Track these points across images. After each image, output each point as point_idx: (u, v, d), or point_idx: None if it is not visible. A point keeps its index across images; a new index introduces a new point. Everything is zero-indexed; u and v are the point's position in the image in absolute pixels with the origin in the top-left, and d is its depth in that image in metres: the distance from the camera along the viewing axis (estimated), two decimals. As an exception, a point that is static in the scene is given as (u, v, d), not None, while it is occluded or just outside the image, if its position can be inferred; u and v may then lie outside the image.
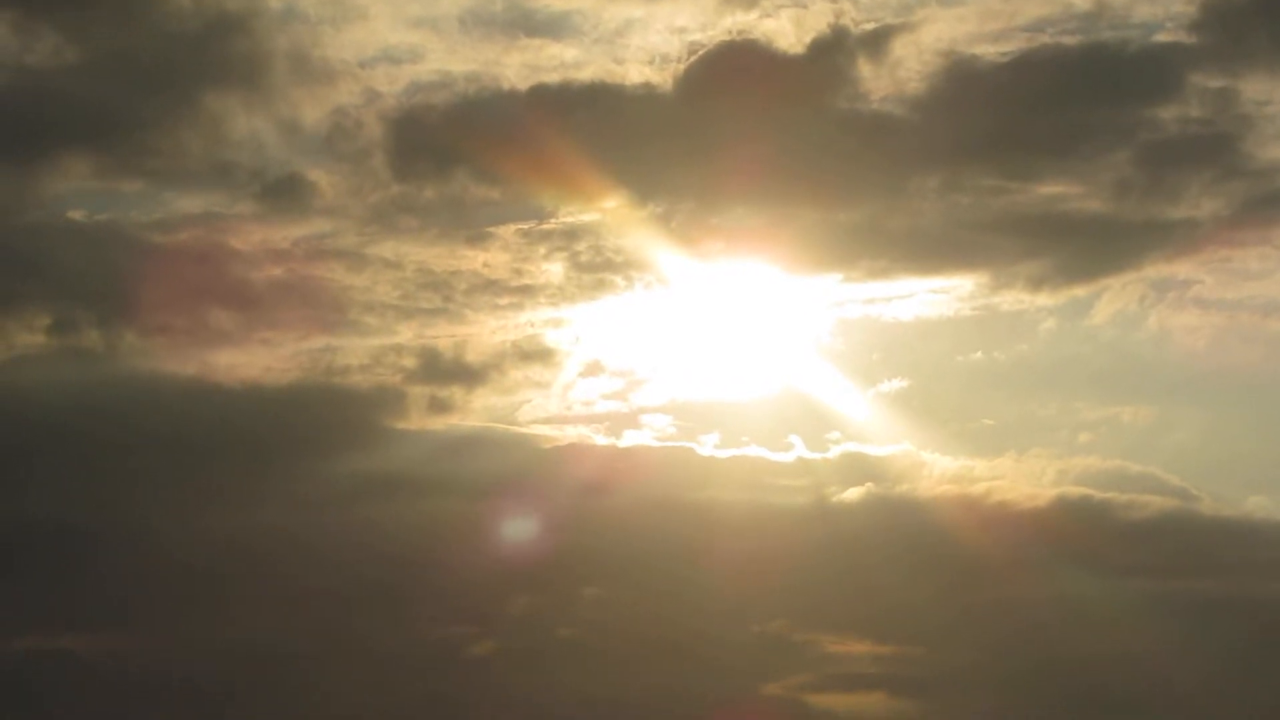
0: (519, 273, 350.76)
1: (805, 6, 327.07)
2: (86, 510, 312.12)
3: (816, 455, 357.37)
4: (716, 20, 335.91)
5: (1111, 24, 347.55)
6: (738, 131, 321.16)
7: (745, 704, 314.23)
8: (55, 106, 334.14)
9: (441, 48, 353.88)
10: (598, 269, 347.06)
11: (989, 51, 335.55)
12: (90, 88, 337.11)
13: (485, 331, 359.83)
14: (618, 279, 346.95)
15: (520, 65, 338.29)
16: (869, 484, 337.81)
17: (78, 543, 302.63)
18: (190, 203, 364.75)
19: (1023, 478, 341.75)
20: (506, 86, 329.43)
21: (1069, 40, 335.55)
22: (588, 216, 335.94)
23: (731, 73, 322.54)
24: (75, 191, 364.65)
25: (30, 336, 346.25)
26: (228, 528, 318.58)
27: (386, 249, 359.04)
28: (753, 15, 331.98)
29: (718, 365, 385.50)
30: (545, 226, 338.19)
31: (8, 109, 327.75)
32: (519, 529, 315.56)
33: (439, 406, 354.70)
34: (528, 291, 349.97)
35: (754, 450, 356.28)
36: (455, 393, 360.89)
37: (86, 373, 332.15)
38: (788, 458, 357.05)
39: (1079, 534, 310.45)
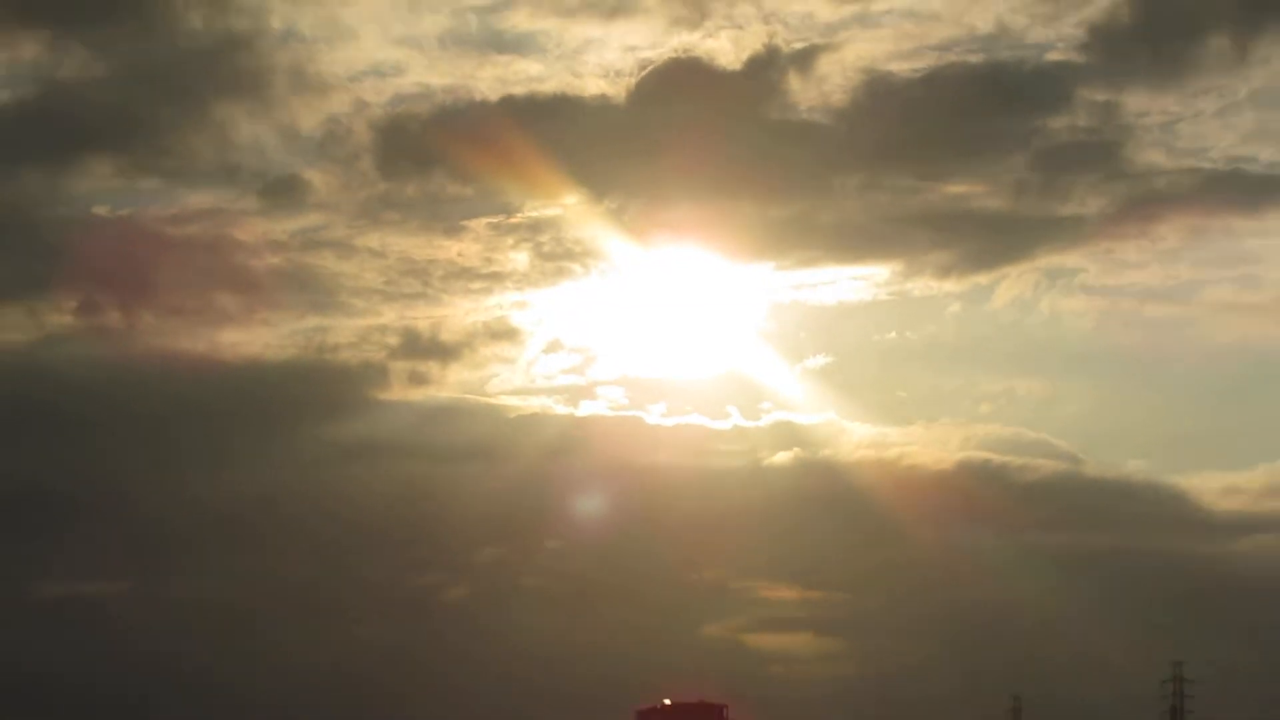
0: (489, 261, 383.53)
1: (742, 28, 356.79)
2: (104, 472, 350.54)
3: (750, 424, 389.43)
4: (664, 40, 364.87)
5: (1009, 45, 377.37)
6: (683, 137, 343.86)
7: (688, 643, 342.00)
8: (82, 114, 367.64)
9: (422, 63, 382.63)
10: (559, 258, 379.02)
11: (903, 68, 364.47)
12: (113, 98, 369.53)
13: (459, 313, 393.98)
14: (576, 266, 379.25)
15: (491, 79, 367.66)
16: (796, 449, 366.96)
17: (98, 498, 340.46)
18: (200, 199, 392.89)
19: (931, 444, 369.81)
20: (479, 97, 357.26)
21: (973, 58, 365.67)
22: (550, 211, 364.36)
23: (677, 86, 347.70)
24: (99, 189, 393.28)
25: (59, 317, 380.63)
26: (232, 486, 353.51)
27: (372, 240, 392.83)
28: (696, 35, 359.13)
29: (664, 343, 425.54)
30: (512, 220, 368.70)
31: (40, 116, 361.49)
32: (489, 488, 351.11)
33: (418, 379, 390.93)
34: (496, 278, 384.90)
35: (695, 419, 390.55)
36: (432, 367, 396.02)
37: (108, 350, 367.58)
38: (725, 425, 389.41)
39: (980, 493, 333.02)
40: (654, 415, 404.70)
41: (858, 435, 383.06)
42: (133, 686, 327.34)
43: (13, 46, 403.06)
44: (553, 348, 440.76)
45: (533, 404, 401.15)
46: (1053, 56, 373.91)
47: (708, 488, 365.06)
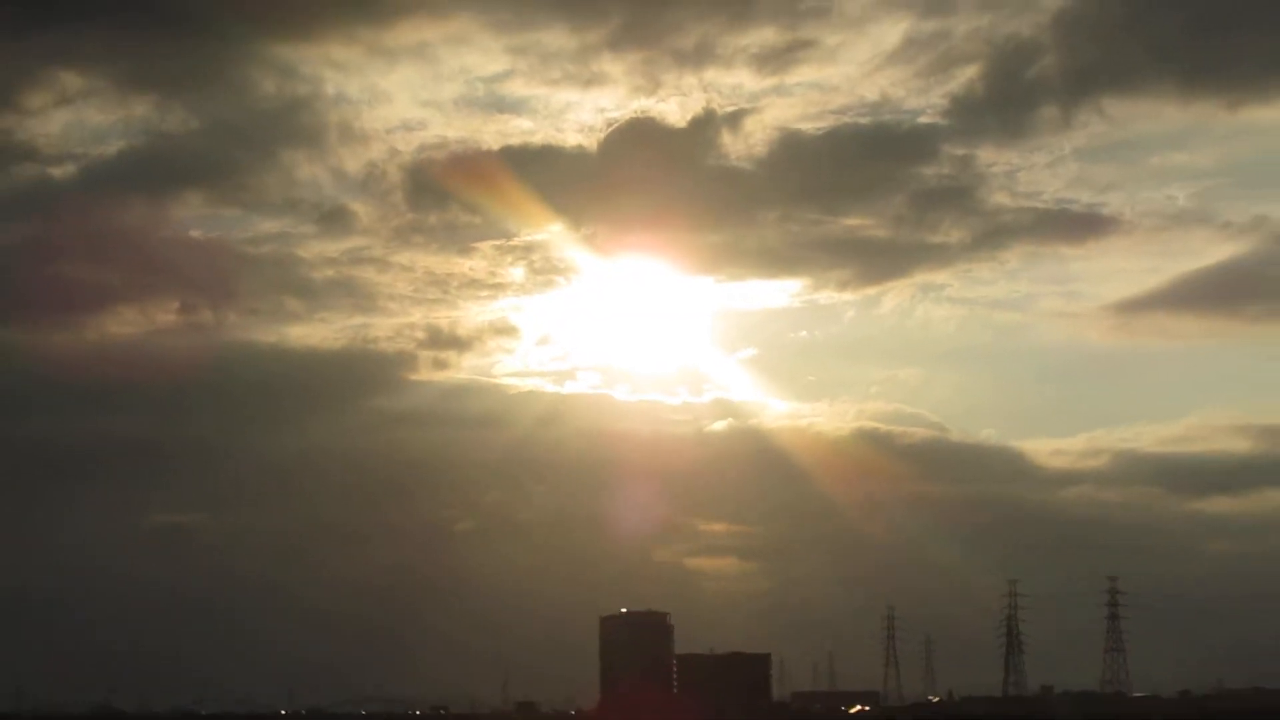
0: (493, 274, 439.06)
1: (686, 95, 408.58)
2: (199, 432, 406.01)
3: (695, 400, 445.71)
4: (627, 104, 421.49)
5: (890, 110, 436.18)
6: (641, 179, 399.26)
7: (642, 565, 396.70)
8: (181, 158, 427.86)
9: (441, 120, 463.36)
10: (547, 272, 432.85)
11: (809, 127, 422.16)
12: (204, 146, 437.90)
13: (470, 314, 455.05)
14: (560, 279, 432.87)
15: (494, 133, 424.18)
16: (730, 419, 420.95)
17: (191, 452, 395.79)
18: (270, 225, 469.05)
19: (833, 416, 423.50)
20: (484, 147, 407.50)
21: (863, 120, 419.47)
22: (539, 236, 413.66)
23: (636, 140, 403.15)
24: (193, 216, 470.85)
25: (165, 316, 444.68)
26: (295, 445, 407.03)
27: (404, 258, 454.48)
28: (651, 101, 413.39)
29: (628, 338, 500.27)
30: (511, 243, 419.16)
31: (149, 160, 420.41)
32: (492, 448, 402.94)
33: (439, 365, 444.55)
34: (499, 287, 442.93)
35: (653, 396, 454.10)
36: (450, 355, 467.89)
37: (201, 340, 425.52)
38: (676, 401, 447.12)
39: (869, 454, 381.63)
40: (621, 393, 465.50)
41: (776, 409, 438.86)
42: (215, 591, 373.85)
43: (128, 106, 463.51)
44: (543, 341, 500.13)
45: (527, 384, 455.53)
46: (923, 120, 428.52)
47: (661, 448, 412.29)
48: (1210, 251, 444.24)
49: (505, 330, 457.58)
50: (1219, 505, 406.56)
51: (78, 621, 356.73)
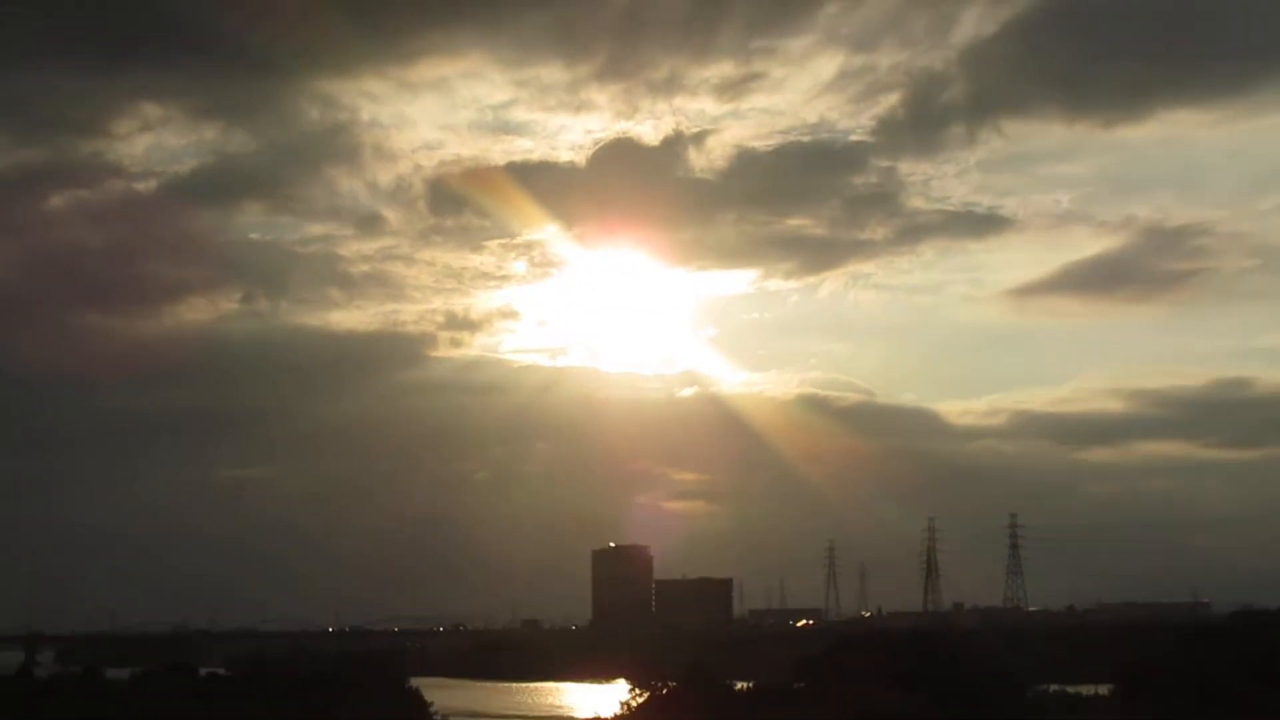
0: (500, 267, 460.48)
1: (659, 119, 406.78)
2: (256, 400, 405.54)
3: (667, 371, 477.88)
4: (610, 126, 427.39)
5: (827, 130, 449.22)
6: (622, 188, 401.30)
7: (626, 507, 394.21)
8: (243, 174, 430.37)
9: (456, 141, 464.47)
10: (544, 265, 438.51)
11: (760, 145, 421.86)
12: (262, 164, 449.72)
13: (481, 301, 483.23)
14: (555, 271, 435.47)
15: (500, 151, 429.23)
16: (696, 387, 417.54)
17: (254, 415, 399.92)
18: (316, 228, 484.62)
19: (780, 383, 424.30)
20: (492, 163, 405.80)
21: (804, 139, 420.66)
22: (538, 235, 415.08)
23: (618, 156, 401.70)
24: (253, 223, 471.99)
25: (229, 304, 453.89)
26: (336, 410, 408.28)
27: (426, 255, 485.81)
28: (630, 123, 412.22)
29: (612, 320, 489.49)
30: (515, 241, 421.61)
31: (216, 176, 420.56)
32: (500, 411, 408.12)
33: (455, 343, 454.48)
34: (505, 278, 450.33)
35: (631, 368, 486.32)
36: (464, 335, 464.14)
37: (259, 324, 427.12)
38: (651, 372, 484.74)
39: (810, 414, 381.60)
40: (605, 366, 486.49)
41: (734, 378, 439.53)
42: (271, 531, 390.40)
43: (199, 132, 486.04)
44: (540, 323, 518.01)
45: (528, 359, 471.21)
46: (854, 138, 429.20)
47: (638, 412, 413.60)
48: (1089, 245, 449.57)
49: (509, 314, 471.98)
50: (1096, 455, 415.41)
51: (158, 556, 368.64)
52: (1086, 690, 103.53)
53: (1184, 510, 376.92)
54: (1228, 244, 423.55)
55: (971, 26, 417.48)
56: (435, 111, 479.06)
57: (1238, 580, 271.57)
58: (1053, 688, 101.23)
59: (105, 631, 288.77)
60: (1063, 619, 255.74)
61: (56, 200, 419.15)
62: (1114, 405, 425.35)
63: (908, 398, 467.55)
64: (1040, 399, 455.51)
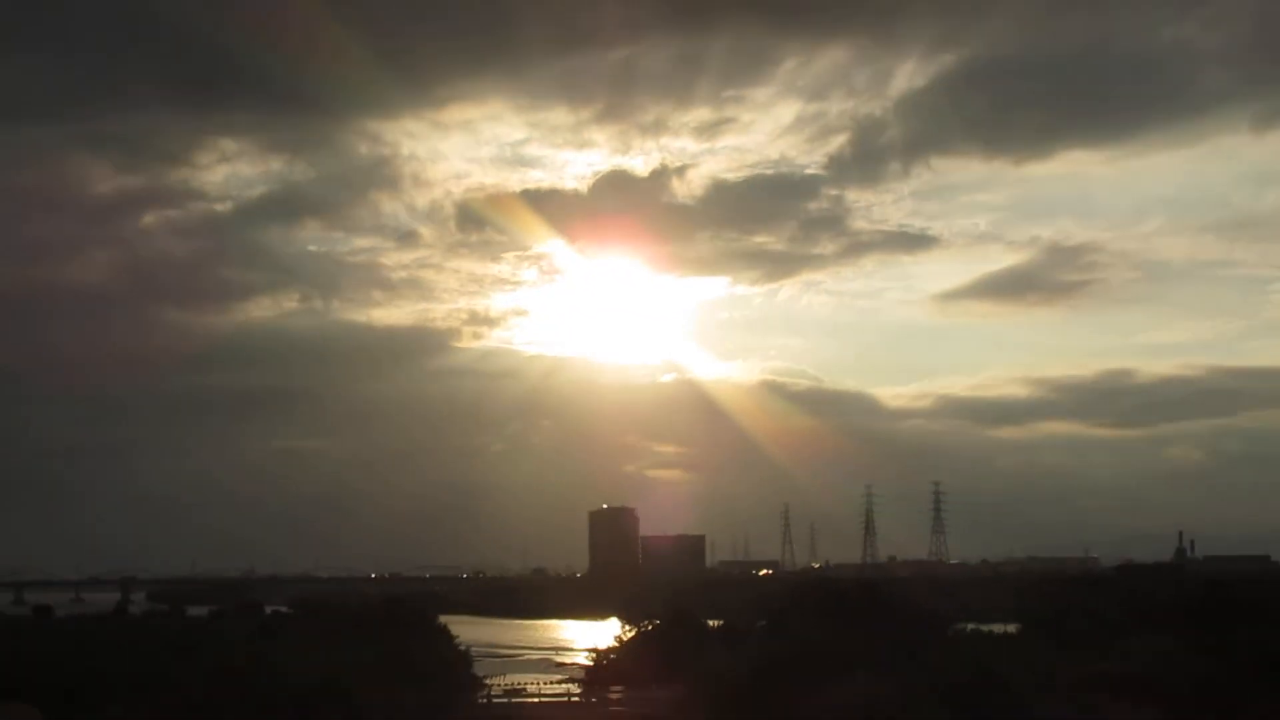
0: (514, 274, 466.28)
1: (648, 155, 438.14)
2: (310, 384, 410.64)
3: (652, 361, 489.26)
4: (608, 160, 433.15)
5: (787, 165, 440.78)
6: (616, 210, 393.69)
7: (616, 476, 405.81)
8: (303, 198, 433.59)
9: (480, 171, 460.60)
10: (551, 273, 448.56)
11: (732, 176, 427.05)
12: (320, 190, 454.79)
13: (498, 302, 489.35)
14: (560, 277, 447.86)
15: (517, 180, 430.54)
16: (675, 374, 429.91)
17: (307, 395, 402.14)
18: (363, 242, 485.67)
19: (745, 370, 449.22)
20: (510, 190, 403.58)
21: (768, 172, 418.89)
22: (546, 248, 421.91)
23: (613, 184, 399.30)
24: (311, 237, 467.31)
25: (290, 303, 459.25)
26: (377, 391, 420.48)
27: (454, 264, 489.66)
28: (624, 158, 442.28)
29: (608, 318, 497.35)
30: (527, 253, 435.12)
31: (282, 200, 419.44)
32: (512, 393, 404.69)
33: (476, 336, 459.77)
34: (518, 283, 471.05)
35: (622, 358, 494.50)
36: (483, 330, 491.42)
37: (314, 320, 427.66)
38: (638, 361, 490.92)
39: (770, 397, 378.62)
40: (600, 357, 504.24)
41: (707, 367, 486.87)
42: (323, 493, 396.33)
43: (267, 163, 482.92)
44: (547, 320, 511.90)
45: (536, 350, 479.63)
46: (809, 171, 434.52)
47: (628, 394, 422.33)
48: (1001, 260, 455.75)
49: (521, 313, 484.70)
50: (1006, 432, 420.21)
51: (230, 513, 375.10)
52: (997, 629, 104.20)
53: (1077, 479, 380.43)
54: (1115, 259, 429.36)
55: (906, 80, 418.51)
56: (462, 147, 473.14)
57: (1121, 538, 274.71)
58: (969, 626, 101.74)
59: (186, 576, 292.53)
60: (978, 570, 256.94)
61: (149, 218, 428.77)
62: (1020, 391, 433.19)
63: (850, 384, 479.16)
64: (960, 385, 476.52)
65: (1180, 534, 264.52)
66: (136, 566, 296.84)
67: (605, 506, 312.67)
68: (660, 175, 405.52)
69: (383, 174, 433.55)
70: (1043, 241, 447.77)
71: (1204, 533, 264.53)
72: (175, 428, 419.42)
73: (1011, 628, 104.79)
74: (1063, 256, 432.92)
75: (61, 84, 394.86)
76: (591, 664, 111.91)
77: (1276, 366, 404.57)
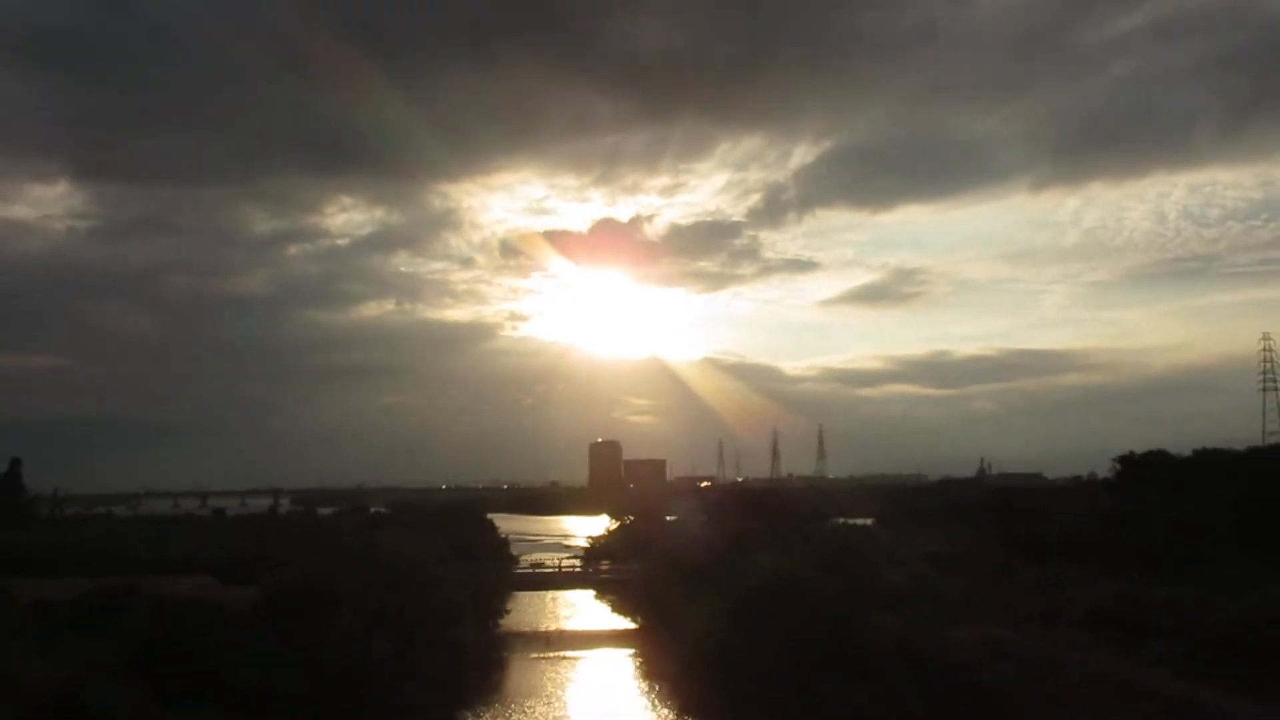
0: (539, 286, 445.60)
1: (629, 207, 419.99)
2: (402, 361, 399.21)
3: (632, 346, 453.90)
4: (601, 211, 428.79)
5: (721, 215, 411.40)
6: (607, 246, 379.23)
7: (607, 420, 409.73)
8: (398, 235, 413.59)
9: (515, 218, 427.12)
10: (564, 286, 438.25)
11: (684, 222, 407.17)
12: (408, 230, 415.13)
13: (527, 305, 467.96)
14: (570, 289, 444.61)
15: (540, 224, 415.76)
16: (650, 355, 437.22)
17: (397, 370, 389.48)
18: (438, 265, 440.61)
19: (693, 351, 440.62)
20: (535, 230, 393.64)
21: (708, 219, 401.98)
22: (561, 269, 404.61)
23: (605, 227, 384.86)
24: (403, 262, 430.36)
25: (389, 306, 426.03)
26: (446, 365, 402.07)
27: (499, 280, 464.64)
28: (612, 209, 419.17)
29: (601, 317, 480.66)
30: (547, 273, 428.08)
31: (382, 237, 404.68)
32: (532, 368, 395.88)
33: (514, 328, 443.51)
34: (542, 293, 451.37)
35: (612, 344, 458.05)
36: (519, 324, 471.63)
37: (405, 318, 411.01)
38: (623, 346, 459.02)
39: (711, 369, 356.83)
40: (597, 343, 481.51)
41: (668, 350, 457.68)
42: (408, 432, 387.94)
43: (372, 211, 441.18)
44: (563, 318, 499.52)
45: (553, 338, 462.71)
46: (735, 219, 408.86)
47: (618, 368, 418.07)
48: (863, 278, 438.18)
49: (544, 313, 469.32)
50: (865, 393, 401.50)
51: (348, 446, 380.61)
52: (860, 522, 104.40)
53: (912, 424, 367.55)
54: (938, 278, 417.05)
55: (800, 158, 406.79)
56: (503, 201, 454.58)
57: (942, 462, 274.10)
58: (841, 520, 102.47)
59: (317, 487, 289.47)
60: (847, 483, 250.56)
61: (293, 249, 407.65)
62: (875, 365, 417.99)
63: (763, 360, 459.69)
64: (835, 361, 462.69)
65: (981, 459, 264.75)
66: (282, 480, 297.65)
67: (600, 440, 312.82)
68: (636, 221, 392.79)
69: (449, 220, 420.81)
70: (890, 266, 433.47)
71: (996, 458, 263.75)
72: (311, 389, 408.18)
73: (869, 521, 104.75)
74: (903, 276, 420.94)
75: (230, 154, 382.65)
76: (588, 546, 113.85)
77: (1043, 349, 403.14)
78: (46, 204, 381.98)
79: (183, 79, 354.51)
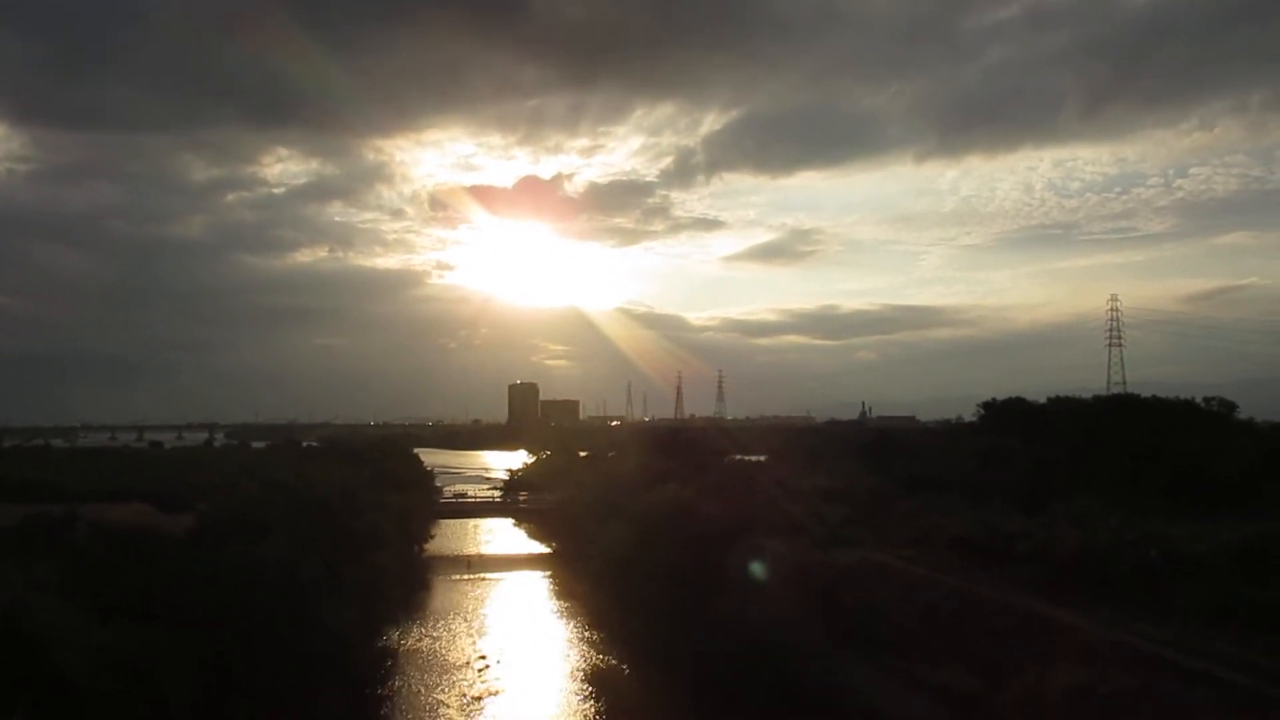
0: (466, 238, 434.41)
1: (550, 166, 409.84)
2: (335, 304, 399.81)
3: (551, 294, 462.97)
4: (525, 169, 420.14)
5: (636, 175, 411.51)
6: (531, 200, 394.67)
7: (525, 364, 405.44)
8: (332, 187, 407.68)
9: (444, 173, 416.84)
10: (489, 238, 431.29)
11: (602, 180, 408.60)
12: (342, 181, 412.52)
13: (454, 255, 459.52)
14: (495, 241, 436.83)
15: (470, 180, 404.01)
16: (569, 304, 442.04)
17: (330, 314, 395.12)
18: (369, 215, 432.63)
19: (608, 302, 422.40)
20: (463, 185, 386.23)
21: (624, 179, 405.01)
22: (486, 223, 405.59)
23: (529, 185, 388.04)
24: (336, 212, 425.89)
25: (322, 253, 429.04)
26: (378, 310, 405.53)
27: (428, 231, 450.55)
28: (536, 167, 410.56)
29: (521, 268, 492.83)
30: (474, 226, 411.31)
31: (317, 188, 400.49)
32: (465, 313, 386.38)
33: (440, 277, 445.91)
34: (468, 244, 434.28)
35: (532, 293, 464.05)
36: (445, 273, 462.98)
37: (338, 265, 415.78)
38: (542, 294, 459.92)
39: (625, 318, 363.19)
40: (519, 291, 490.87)
41: (586, 298, 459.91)
42: (345, 372, 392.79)
43: (308, 163, 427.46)
44: (486, 267, 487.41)
45: (477, 286, 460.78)
46: (649, 179, 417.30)
47: (536, 316, 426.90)
48: (764, 236, 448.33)
49: (469, 262, 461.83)
50: (762, 342, 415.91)
51: (282, 382, 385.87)
52: (754, 458, 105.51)
53: (803, 370, 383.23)
54: (830, 238, 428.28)
55: (708, 126, 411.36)
56: (434, 157, 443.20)
57: (828, 405, 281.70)
58: (738, 456, 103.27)
59: (251, 422, 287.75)
60: (745, 424, 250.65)
61: (231, 197, 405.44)
62: (772, 317, 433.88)
63: (670, 310, 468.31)
64: (736, 313, 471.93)
65: (863, 403, 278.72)
66: (217, 415, 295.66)
67: (519, 382, 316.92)
68: (558, 179, 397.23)
69: (382, 173, 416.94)
70: (788, 226, 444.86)
71: (876, 402, 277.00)
72: (247, 330, 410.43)
73: (763, 458, 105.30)
74: (799, 236, 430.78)
75: (172, 106, 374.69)
76: (508, 479, 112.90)
77: (920, 305, 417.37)
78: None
79: (124, 30, 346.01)
